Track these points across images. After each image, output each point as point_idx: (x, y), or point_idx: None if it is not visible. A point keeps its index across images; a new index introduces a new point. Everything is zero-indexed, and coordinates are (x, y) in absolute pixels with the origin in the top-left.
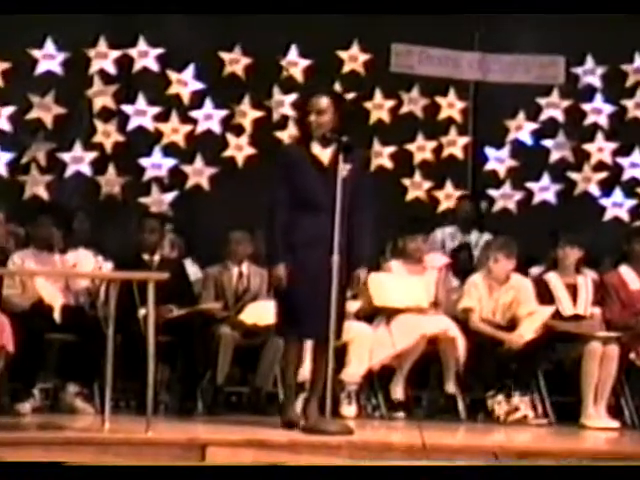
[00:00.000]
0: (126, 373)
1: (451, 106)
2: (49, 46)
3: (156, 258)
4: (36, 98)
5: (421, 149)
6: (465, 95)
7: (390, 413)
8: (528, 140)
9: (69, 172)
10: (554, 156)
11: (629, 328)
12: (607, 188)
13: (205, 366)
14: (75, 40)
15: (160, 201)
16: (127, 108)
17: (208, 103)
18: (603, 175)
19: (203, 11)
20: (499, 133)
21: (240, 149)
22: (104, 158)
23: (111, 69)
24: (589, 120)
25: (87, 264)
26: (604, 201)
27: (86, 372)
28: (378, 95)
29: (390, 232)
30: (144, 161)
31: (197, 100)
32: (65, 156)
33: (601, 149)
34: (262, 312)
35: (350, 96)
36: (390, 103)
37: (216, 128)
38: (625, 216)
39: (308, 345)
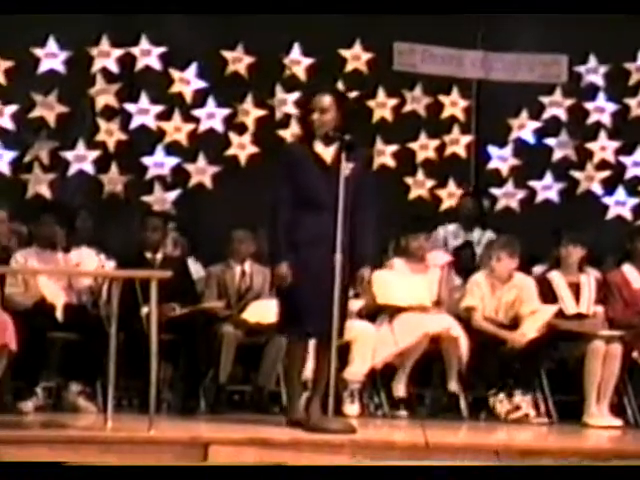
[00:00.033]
0: (129, 371)
1: (454, 105)
2: (52, 45)
3: (159, 256)
4: (39, 97)
5: (424, 148)
6: (468, 94)
7: (393, 412)
8: (531, 139)
9: (72, 171)
10: (557, 155)
11: (632, 327)
12: (610, 187)
13: (208, 365)
14: (78, 39)
15: (163, 200)
16: (130, 107)
17: (211, 102)
18: (606, 174)
19: (206, 11)
20: (502, 132)
21: (243, 148)
22: (107, 157)
23: (114, 68)
24: (592, 119)
25: (90, 262)
26: (607, 200)
27: (89, 371)
28: (381, 94)
29: (393, 231)
30: (147, 160)
31: (200, 99)
32: (68, 155)
33: (604, 148)
34: (265, 311)
35: (353, 95)
36: (393, 102)
37: (219, 127)
38: (628, 215)
39: (310, 344)
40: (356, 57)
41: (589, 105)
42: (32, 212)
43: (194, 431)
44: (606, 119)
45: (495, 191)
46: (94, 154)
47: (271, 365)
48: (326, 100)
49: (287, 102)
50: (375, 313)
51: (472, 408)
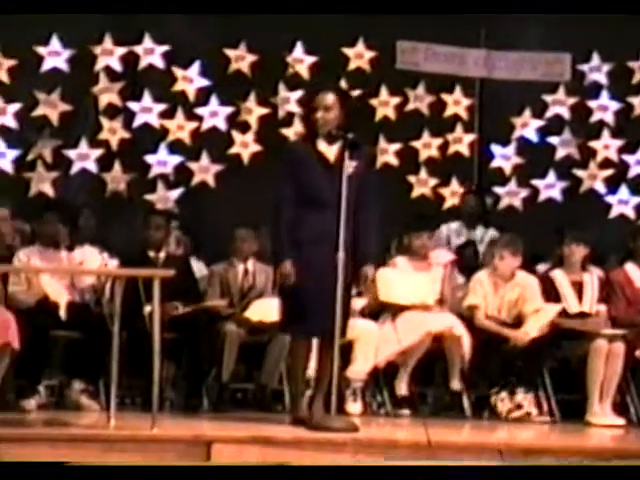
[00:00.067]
0: (131, 370)
1: (457, 103)
2: (55, 43)
3: (162, 255)
4: (42, 95)
5: (427, 146)
6: (471, 92)
7: (395, 410)
8: (534, 137)
9: (75, 169)
10: (560, 153)
11: (635, 325)
12: (613, 185)
13: (210, 363)
14: (81, 37)
15: (166, 198)
16: (133, 105)
17: (214, 100)
18: (609, 172)
19: (208, 11)
20: (505, 130)
21: (246, 146)
22: (110, 155)
23: (117, 66)
24: (595, 117)
25: (93, 261)
26: (610, 198)
27: (91, 369)
28: (384, 92)
29: (395, 229)
30: (150, 158)
31: (203, 97)
32: (71, 153)
33: (607, 146)
34: (267, 309)
35: (356, 93)
36: (396, 100)
37: (222, 125)
38: (631, 213)
39: (313, 342)
40: (359, 55)
41: (592, 103)
42: (35, 210)
43: (197, 429)
44: (609, 117)
45: (498, 190)
46: (97, 152)
47: (274, 363)
48: (330, 98)
49: (290, 100)
50: (378, 312)
51: (475, 407)
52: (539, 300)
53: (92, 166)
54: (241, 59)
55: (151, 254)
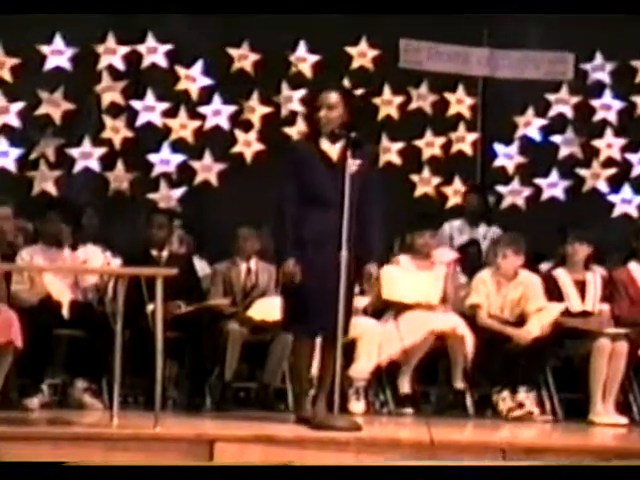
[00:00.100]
0: (134, 369)
1: (460, 102)
2: (58, 42)
3: (164, 254)
4: (45, 94)
5: (430, 145)
6: (474, 91)
7: (398, 409)
8: (537, 136)
9: (78, 168)
10: (563, 152)
11: (637, 324)
12: (616, 184)
13: (213, 362)
14: (84, 36)
15: (168, 197)
16: (136, 104)
17: (217, 99)
18: (612, 171)
19: (211, 11)
20: (508, 129)
21: (249, 145)
22: (113, 154)
23: (120, 65)
24: (598, 116)
25: (95, 260)
26: (613, 197)
27: (94, 368)
28: (387, 91)
29: (398, 228)
30: (153, 157)
31: (206, 96)
32: (74, 152)
33: (610, 145)
34: (270, 308)
35: (359, 92)
36: (399, 99)
37: (225, 124)
38: (634, 212)
39: (316, 341)
40: (362, 54)
41: (595, 102)
42: (38, 209)
43: (200, 428)
44: (612, 116)
45: (501, 189)
46: (100, 151)
47: (276, 362)
48: (333, 97)
49: (293, 99)
50: (381, 310)
51: (478, 406)
52: (542, 299)
53: (95, 165)
54: (244, 58)
55: (154, 253)
